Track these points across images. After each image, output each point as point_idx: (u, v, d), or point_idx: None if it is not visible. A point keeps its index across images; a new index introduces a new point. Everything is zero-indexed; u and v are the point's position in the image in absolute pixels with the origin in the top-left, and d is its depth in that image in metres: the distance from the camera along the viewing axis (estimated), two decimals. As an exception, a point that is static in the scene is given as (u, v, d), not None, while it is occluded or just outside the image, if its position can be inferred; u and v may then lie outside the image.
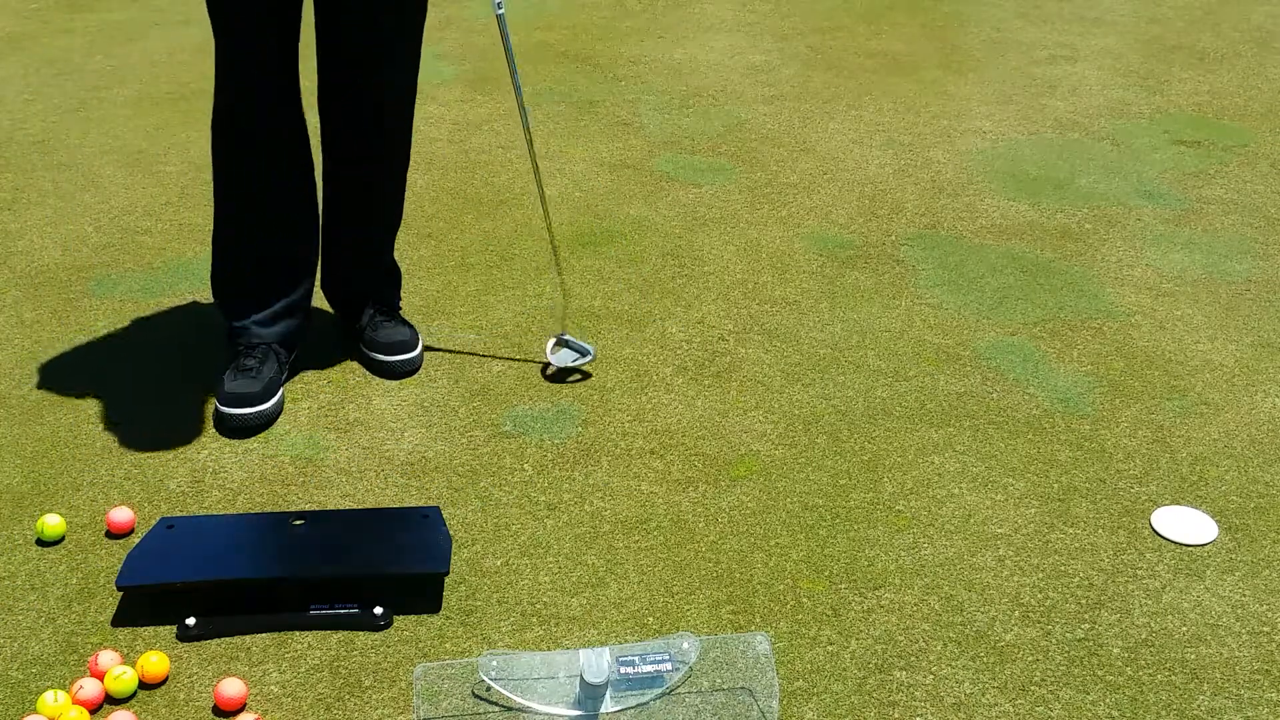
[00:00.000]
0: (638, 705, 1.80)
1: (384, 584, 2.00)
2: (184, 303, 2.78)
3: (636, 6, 4.74)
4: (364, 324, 2.58)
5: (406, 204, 2.66)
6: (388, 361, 2.53)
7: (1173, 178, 3.48)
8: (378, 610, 1.94)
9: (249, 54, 2.26)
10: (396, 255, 2.68)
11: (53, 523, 2.10)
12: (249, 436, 2.36)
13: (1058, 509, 2.23)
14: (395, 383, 2.53)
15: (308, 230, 2.51)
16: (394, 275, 2.68)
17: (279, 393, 2.43)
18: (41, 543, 2.09)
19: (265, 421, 2.38)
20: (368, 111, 2.41)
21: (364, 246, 2.59)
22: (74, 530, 2.12)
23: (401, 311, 2.65)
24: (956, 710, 1.82)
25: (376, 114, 2.42)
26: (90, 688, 1.78)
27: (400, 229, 2.66)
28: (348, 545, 2.09)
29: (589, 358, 2.53)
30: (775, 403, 2.50)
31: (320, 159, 2.49)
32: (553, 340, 2.55)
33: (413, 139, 2.54)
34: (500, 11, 2.30)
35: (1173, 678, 1.89)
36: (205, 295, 2.69)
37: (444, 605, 1.98)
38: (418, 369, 2.56)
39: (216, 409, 2.39)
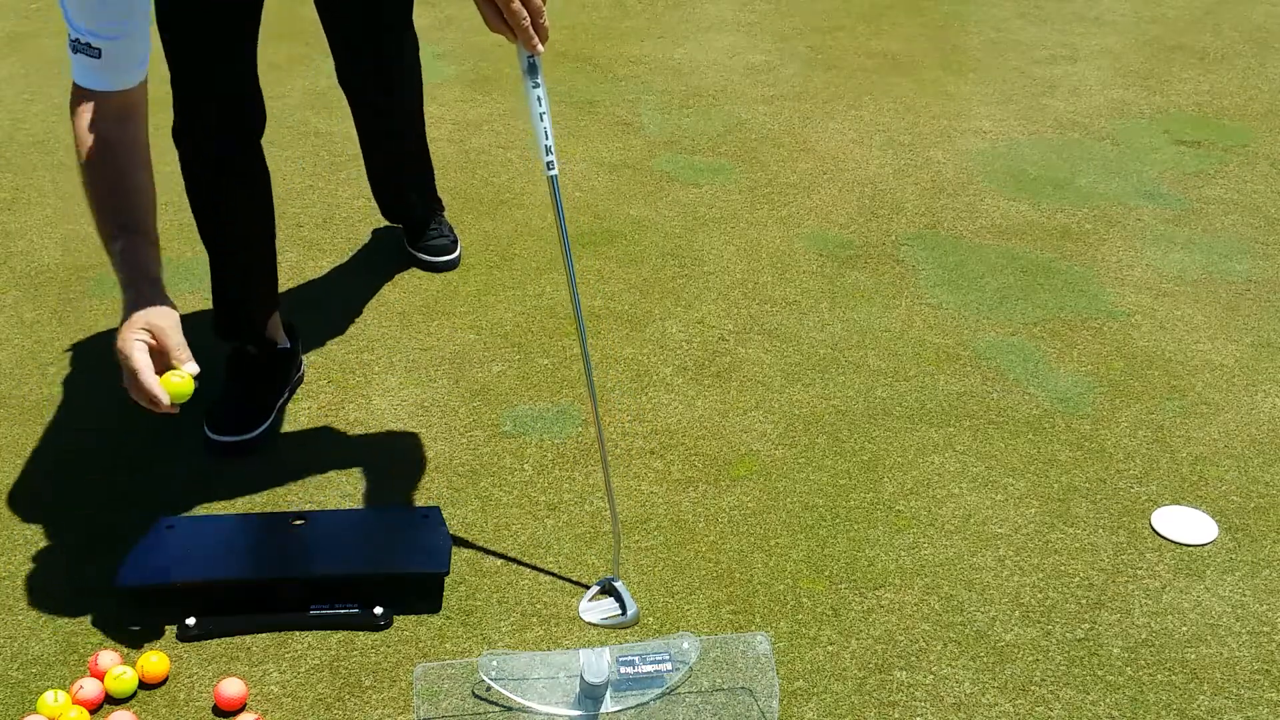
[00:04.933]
0: (638, 705, 1.80)
1: (384, 584, 2.00)
2: (184, 303, 2.77)
3: (636, 6, 4.73)
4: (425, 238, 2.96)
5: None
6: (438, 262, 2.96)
7: (1173, 178, 3.48)
8: (378, 610, 1.94)
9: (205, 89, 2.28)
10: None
11: (176, 380, 1.76)
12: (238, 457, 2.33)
13: (1058, 509, 2.23)
14: (395, 382, 2.53)
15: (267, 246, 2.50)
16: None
17: (269, 418, 2.39)
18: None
19: (247, 448, 2.33)
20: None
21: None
22: (74, 531, 2.12)
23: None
24: (956, 710, 1.82)
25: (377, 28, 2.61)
26: (90, 688, 1.79)
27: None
28: (348, 545, 2.09)
29: (627, 618, 1.97)
30: (775, 403, 2.50)
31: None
32: (596, 587, 2.03)
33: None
34: (552, 173, 1.82)
35: (1173, 678, 1.89)
36: (205, 295, 2.69)
37: (444, 605, 1.98)
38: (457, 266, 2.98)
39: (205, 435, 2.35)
